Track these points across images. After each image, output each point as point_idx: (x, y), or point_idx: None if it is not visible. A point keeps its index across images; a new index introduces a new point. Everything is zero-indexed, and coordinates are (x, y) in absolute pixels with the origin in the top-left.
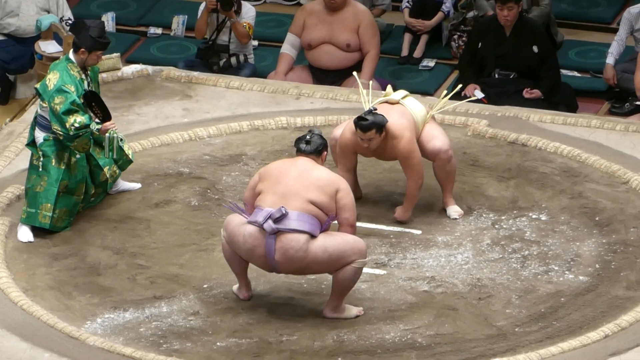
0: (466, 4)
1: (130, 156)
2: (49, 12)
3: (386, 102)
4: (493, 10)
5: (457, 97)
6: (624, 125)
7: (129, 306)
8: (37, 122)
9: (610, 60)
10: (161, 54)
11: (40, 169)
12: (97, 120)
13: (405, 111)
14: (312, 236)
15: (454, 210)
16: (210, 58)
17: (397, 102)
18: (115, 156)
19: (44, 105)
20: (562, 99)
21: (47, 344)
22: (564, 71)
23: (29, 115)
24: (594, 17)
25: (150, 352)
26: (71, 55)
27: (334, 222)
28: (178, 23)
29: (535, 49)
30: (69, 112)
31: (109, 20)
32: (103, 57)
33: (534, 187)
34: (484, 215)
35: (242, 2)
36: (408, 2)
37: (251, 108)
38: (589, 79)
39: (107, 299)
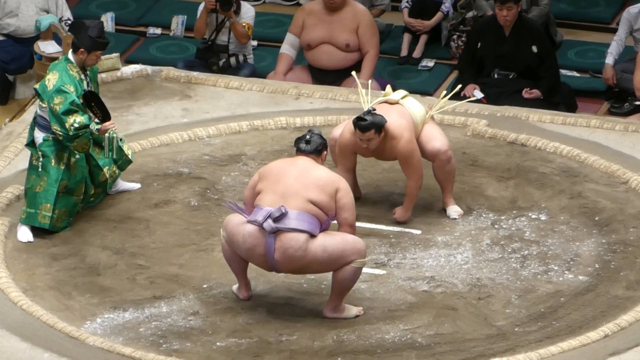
0: (465, 4)
1: (129, 156)
2: (48, 12)
3: (385, 102)
4: (492, 11)
5: (457, 97)
6: (624, 125)
7: (129, 306)
8: (36, 123)
9: (609, 60)
10: (160, 54)
11: (40, 169)
12: (96, 120)
13: (405, 111)
14: (312, 235)
15: (453, 210)
16: (209, 58)
17: (397, 102)
18: (114, 156)
19: (44, 105)
20: (562, 99)
21: (47, 344)
22: (563, 71)
23: (28, 115)
24: (593, 17)
25: (150, 352)
26: (70, 55)
27: (333, 222)
28: (177, 23)
29: (534, 49)
30: (69, 112)
31: (108, 21)
32: (102, 57)
33: (533, 187)
34: (484, 215)
35: (242, 2)
36: (407, 2)
37: (250, 108)
38: (588, 79)
39: (106, 299)
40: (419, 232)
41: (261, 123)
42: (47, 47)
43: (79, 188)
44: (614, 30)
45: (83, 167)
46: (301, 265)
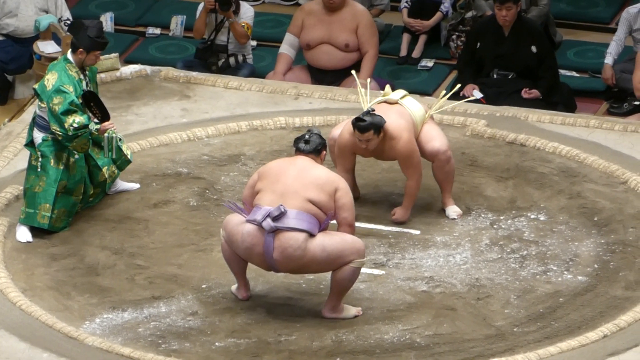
0: (465, 4)
1: (128, 156)
2: (47, 12)
3: (385, 102)
4: (492, 11)
5: (456, 97)
6: (623, 125)
7: (128, 306)
8: (35, 123)
9: (608, 60)
10: (160, 54)
11: (39, 170)
12: (95, 120)
13: (404, 111)
14: (311, 235)
15: (452, 210)
16: (208, 58)
17: (396, 102)
18: (113, 156)
19: (43, 105)
20: (561, 99)
21: (46, 344)
22: (562, 71)
23: (27, 115)
24: (592, 17)
25: (149, 352)
26: (69, 55)
27: (332, 221)
28: (176, 23)
29: (533, 49)
30: (68, 112)
31: (107, 21)
32: (101, 57)
33: (532, 187)
34: (483, 216)
35: (241, 2)
36: (407, 2)
37: (250, 108)
38: (588, 79)
39: (105, 299)
40: (418, 232)
41: (260, 123)
42: (47, 47)
43: (78, 188)
44: (613, 30)
45: (82, 167)
46: (300, 265)
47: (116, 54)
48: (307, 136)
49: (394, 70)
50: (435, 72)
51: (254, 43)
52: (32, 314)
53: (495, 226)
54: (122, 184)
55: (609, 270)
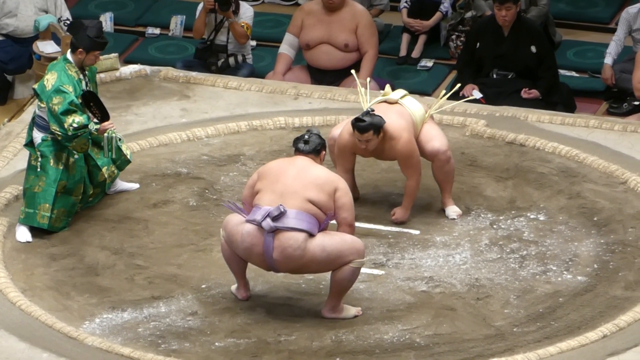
0: (464, 4)
1: (128, 156)
2: (47, 12)
3: (384, 101)
4: (491, 11)
5: (456, 96)
6: (622, 125)
7: (127, 306)
8: (35, 123)
9: (608, 60)
10: (159, 54)
11: (39, 170)
12: (95, 120)
13: (404, 111)
14: (311, 235)
15: (452, 210)
16: (208, 58)
17: (396, 102)
18: (113, 156)
19: (42, 105)
20: (560, 99)
21: (46, 344)
22: (562, 71)
23: (27, 115)
24: (592, 17)
25: (149, 352)
26: (69, 55)
27: (332, 221)
28: (176, 23)
29: (533, 49)
30: (67, 112)
31: (107, 21)
32: (101, 57)
33: (532, 187)
34: (482, 216)
35: (240, 2)
36: (406, 2)
37: (249, 108)
38: (587, 79)
39: (105, 299)
40: (417, 232)
41: (260, 123)
42: (46, 47)
43: (77, 188)
44: (612, 30)
45: (82, 167)
46: (299, 265)
47: (116, 54)
48: (306, 136)
49: (394, 71)
50: (434, 72)
51: (253, 43)
52: (31, 314)
53: (494, 226)
54: (121, 184)
55: (608, 270)
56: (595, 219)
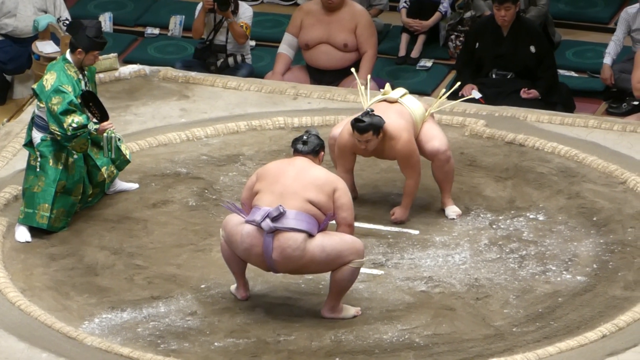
0: (463, 4)
1: (127, 156)
2: (46, 12)
3: (384, 100)
4: (490, 11)
5: (455, 96)
6: (622, 125)
7: (127, 306)
8: (34, 123)
9: (607, 60)
10: (158, 54)
11: (38, 170)
12: (94, 120)
13: (404, 110)
14: (310, 235)
15: (452, 210)
16: (207, 58)
17: (396, 101)
18: (112, 156)
19: (42, 105)
20: (560, 99)
21: (45, 344)
22: (561, 71)
23: (26, 115)
24: (591, 17)
25: (148, 352)
26: (68, 55)
27: (332, 222)
28: (175, 23)
29: (532, 49)
30: (67, 112)
31: (106, 21)
32: (100, 57)
33: (531, 187)
34: (482, 216)
35: (239, 2)
36: (405, 2)
37: (248, 108)
38: (587, 79)
39: (104, 299)
40: (417, 232)
41: (259, 123)
42: (45, 47)
43: (77, 188)
44: (612, 30)
45: (81, 167)
46: (299, 265)
47: (115, 54)
48: (305, 137)
49: (393, 70)
50: (434, 72)
51: (252, 43)
52: (31, 314)
53: (494, 226)
54: (121, 184)
55: (608, 270)
56: (594, 218)
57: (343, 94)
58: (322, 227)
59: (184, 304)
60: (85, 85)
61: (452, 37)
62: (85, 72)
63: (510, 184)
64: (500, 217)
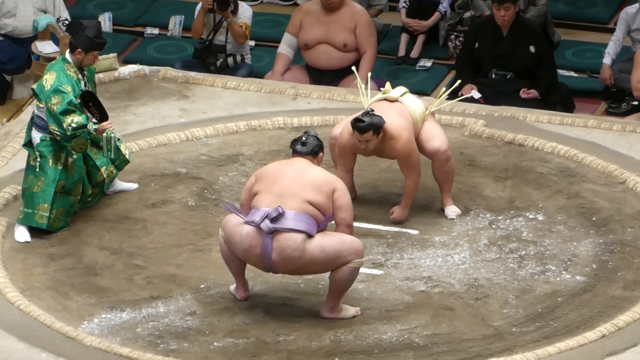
0: (463, 4)
1: (127, 156)
2: (45, 12)
3: (385, 99)
4: (490, 11)
5: (455, 95)
6: (621, 125)
7: (126, 306)
8: (34, 123)
9: (607, 60)
10: (158, 54)
11: (37, 170)
12: (94, 120)
13: (404, 110)
14: (309, 236)
15: (451, 210)
16: (207, 58)
17: (396, 100)
18: (112, 156)
19: (41, 105)
20: (559, 99)
21: (44, 344)
22: (560, 71)
23: (25, 115)
24: (590, 17)
25: (147, 352)
26: (68, 55)
27: (331, 222)
28: (175, 23)
29: (532, 49)
30: (66, 112)
31: (105, 21)
32: (100, 57)
33: (531, 187)
34: (481, 216)
35: (239, 2)
36: (405, 2)
37: (248, 108)
38: (586, 79)
39: (104, 299)
40: (416, 232)
41: (259, 123)
42: (45, 47)
43: (76, 188)
44: (611, 30)
45: (80, 167)
46: (298, 266)
47: (114, 54)
48: (304, 138)
49: (392, 71)
50: (433, 72)
51: (252, 43)
52: (30, 314)
53: (493, 226)
54: (120, 184)
55: (607, 270)
56: (594, 218)
57: (342, 94)
58: (321, 228)
59: (183, 304)
60: (85, 85)
61: (452, 37)
62: (85, 72)
63: (510, 184)
64: (500, 217)
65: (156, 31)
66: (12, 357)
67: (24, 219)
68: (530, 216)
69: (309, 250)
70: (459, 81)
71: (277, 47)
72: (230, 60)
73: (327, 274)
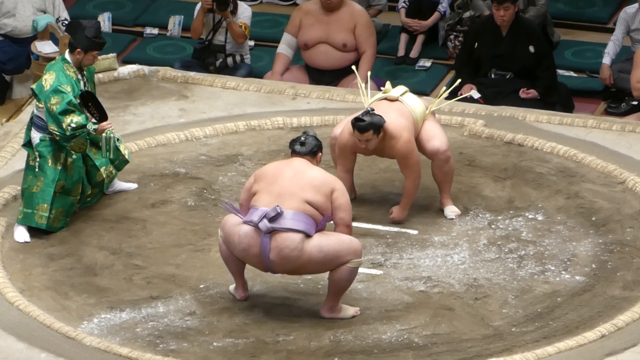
0: (462, 4)
1: (126, 156)
2: (45, 12)
3: (385, 99)
4: (489, 11)
5: (454, 95)
6: (620, 125)
7: (126, 306)
8: (33, 123)
9: (606, 60)
10: (157, 54)
11: (37, 170)
12: (93, 120)
13: (404, 109)
14: (308, 236)
15: (451, 210)
16: (206, 58)
17: (396, 99)
18: (111, 156)
19: (40, 105)
20: (559, 99)
21: (44, 344)
22: (560, 71)
23: (25, 115)
24: (590, 17)
25: (147, 352)
26: (67, 55)
27: (330, 222)
28: (174, 23)
29: (531, 49)
30: (66, 112)
31: (105, 21)
32: (99, 57)
33: (530, 187)
34: (481, 215)
35: (238, 2)
36: (404, 2)
37: (247, 108)
38: (586, 79)
39: (103, 299)
40: (415, 232)
41: (258, 123)
42: (44, 47)
43: (75, 188)
44: (611, 30)
45: (80, 168)
46: (297, 266)
47: (114, 54)
48: (302, 138)
49: (392, 71)
50: (433, 72)
51: (251, 43)
52: (30, 314)
53: (493, 226)
54: (119, 184)
55: (607, 270)
56: (593, 218)
57: (342, 94)
58: (319, 228)
59: (182, 304)
60: (84, 85)
61: (451, 37)
62: (84, 72)
63: (509, 183)
64: (499, 217)
65: (155, 31)
66: (12, 357)
67: (23, 219)
68: (530, 216)
69: (307, 250)
70: (459, 81)
71: (276, 47)
72: (229, 60)
73: (327, 274)
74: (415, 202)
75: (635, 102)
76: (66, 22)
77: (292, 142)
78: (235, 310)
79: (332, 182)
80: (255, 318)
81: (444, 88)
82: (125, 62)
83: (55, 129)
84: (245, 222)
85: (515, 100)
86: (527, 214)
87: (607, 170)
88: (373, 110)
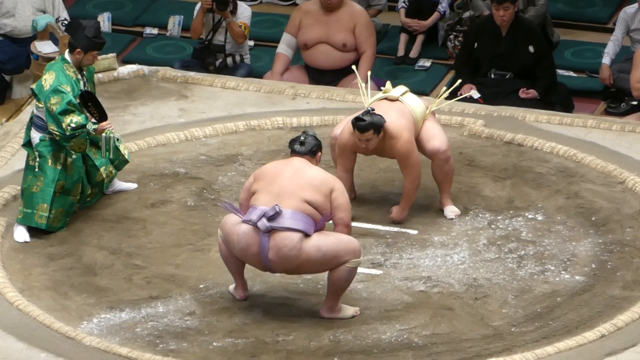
0: (462, 4)
1: (126, 156)
2: (45, 12)
3: (385, 98)
4: (489, 10)
5: (455, 94)
6: (620, 125)
7: (125, 306)
8: (33, 123)
9: (606, 60)
10: (157, 54)
11: (37, 170)
12: (93, 120)
13: (405, 109)
14: (306, 235)
15: (450, 210)
16: (206, 58)
17: (397, 99)
18: (111, 156)
19: (40, 105)
20: (558, 99)
21: (44, 344)
22: (560, 71)
23: (25, 115)
24: (590, 17)
25: (147, 352)
26: (67, 55)
27: (329, 222)
28: (174, 23)
29: (531, 49)
30: (65, 112)
31: (104, 21)
32: (99, 57)
33: (530, 187)
34: (480, 215)
35: (238, 2)
36: (404, 2)
37: (247, 108)
38: (585, 79)
39: (103, 299)
40: (415, 232)
41: (258, 123)
42: (44, 47)
43: (75, 188)
44: (610, 30)
45: (80, 167)
46: (295, 265)
47: (113, 54)
48: (302, 137)
49: (392, 71)
50: (432, 72)
51: (251, 43)
52: (29, 314)
53: (492, 226)
54: (119, 184)
55: (606, 270)
56: (593, 218)
57: (342, 94)
58: (318, 227)
59: (182, 304)
60: (84, 85)
61: (451, 37)
62: (84, 72)
63: (509, 183)
64: (499, 217)
65: (155, 31)
66: (11, 357)
67: (23, 219)
68: (530, 216)
69: (306, 250)
70: (459, 81)
71: (276, 47)
72: (229, 60)
73: (326, 274)
74: (415, 202)
75: (635, 102)
76: (66, 22)
77: (292, 142)
78: (235, 310)
79: (332, 182)
80: (255, 318)
81: (444, 88)
82: (125, 62)
83: (55, 129)
84: (244, 221)
85: (515, 100)
86: (527, 214)
87: (607, 170)
88: (373, 110)
